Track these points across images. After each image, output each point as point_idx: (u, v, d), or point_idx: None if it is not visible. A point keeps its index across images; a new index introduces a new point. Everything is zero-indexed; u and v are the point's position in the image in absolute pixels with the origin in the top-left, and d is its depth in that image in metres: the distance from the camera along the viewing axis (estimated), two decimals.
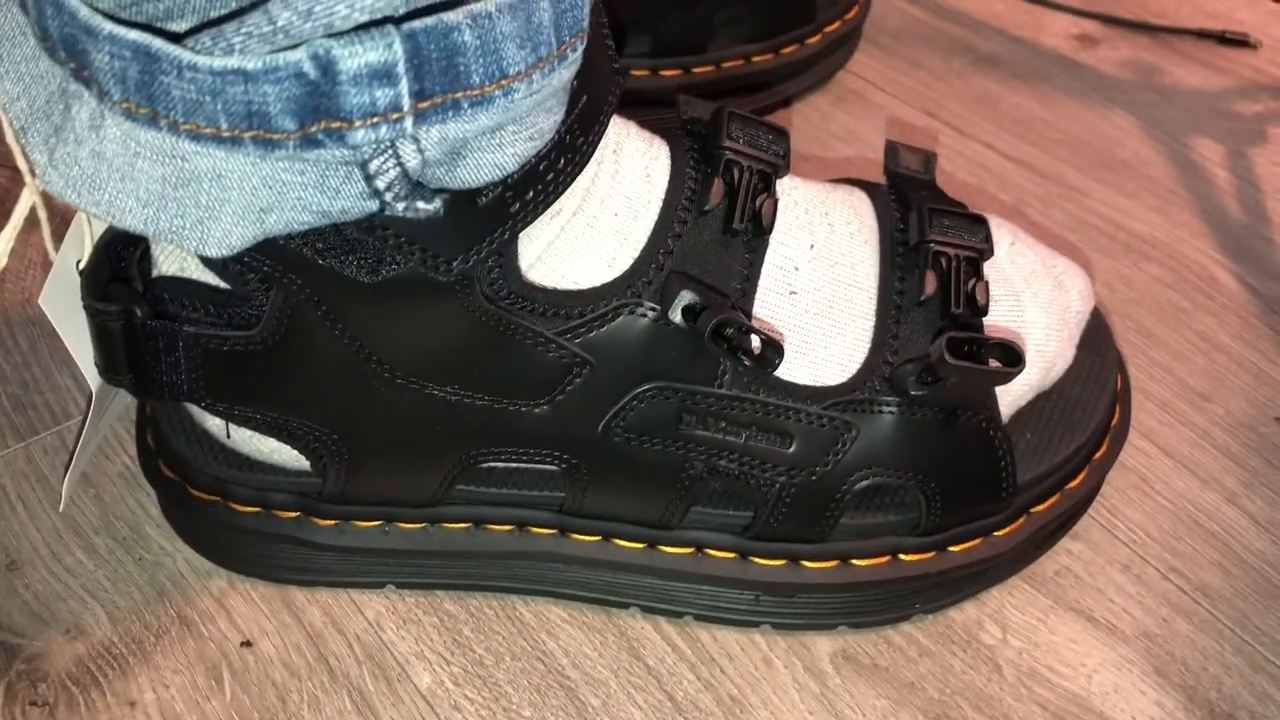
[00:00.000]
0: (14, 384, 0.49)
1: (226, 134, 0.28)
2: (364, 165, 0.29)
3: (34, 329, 0.51)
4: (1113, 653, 0.43)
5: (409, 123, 0.28)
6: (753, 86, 0.61)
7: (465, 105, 0.28)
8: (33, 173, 0.34)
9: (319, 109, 0.27)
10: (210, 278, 0.35)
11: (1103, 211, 0.60)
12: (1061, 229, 0.59)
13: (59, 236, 0.39)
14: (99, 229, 0.37)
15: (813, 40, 0.62)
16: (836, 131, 0.63)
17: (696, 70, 0.60)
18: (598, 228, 0.37)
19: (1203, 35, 0.70)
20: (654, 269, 0.37)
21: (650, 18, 0.57)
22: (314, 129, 0.28)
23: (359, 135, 0.28)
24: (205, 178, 0.29)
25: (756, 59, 0.60)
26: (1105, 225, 0.60)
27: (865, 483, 0.40)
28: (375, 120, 0.28)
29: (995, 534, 0.43)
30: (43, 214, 0.36)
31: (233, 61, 0.26)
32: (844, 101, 0.66)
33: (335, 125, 0.28)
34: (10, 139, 0.31)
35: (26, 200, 0.34)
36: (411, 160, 0.29)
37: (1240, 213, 0.60)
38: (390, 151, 0.29)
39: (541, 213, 0.34)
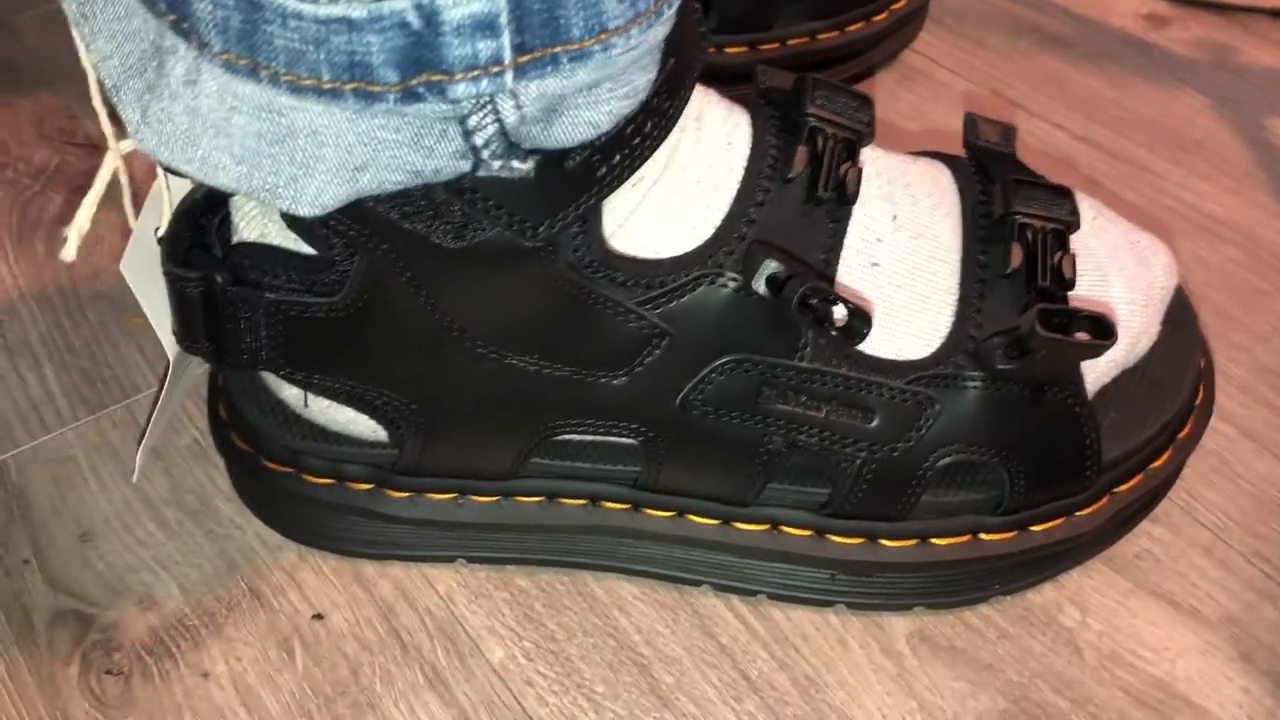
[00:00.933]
0: (84, 358, 0.49)
1: (327, 86, 0.27)
2: (463, 120, 0.29)
3: (103, 304, 0.52)
4: (1196, 637, 0.42)
5: (509, 77, 0.28)
6: (819, 64, 0.60)
7: (565, 60, 0.28)
8: (118, 136, 0.34)
9: (421, 60, 0.27)
10: (292, 243, 0.35)
11: (1176, 193, 0.59)
12: (1134, 210, 0.58)
13: (136, 207, 0.39)
14: (178, 197, 0.37)
15: (879, 18, 0.61)
16: (903, 110, 0.63)
17: (762, 48, 0.59)
18: (679, 196, 0.36)
19: (1277, 15, 0.69)
20: (736, 238, 0.36)
21: None
22: (415, 82, 0.27)
23: (459, 89, 0.27)
24: (301, 134, 0.29)
25: (822, 36, 0.60)
26: (1179, 207, 0.58)
27: (948, 460, 0.39)
28: (476, 74, 0.27)
29: (1078, 514, 0.42)
30: (124, 179, 0.36)
31: (338, 9, 0.26)
32: (910, 80, 0.65)
33: (436, 78, 0.27)
34: (96, 101, 0.31)
35: (109, 166, 0.34)
36: (510, 116, 0.29)
37: None
38: (490, 107, 0.29)
39: (628, 178, 0.34)
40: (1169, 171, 0.60)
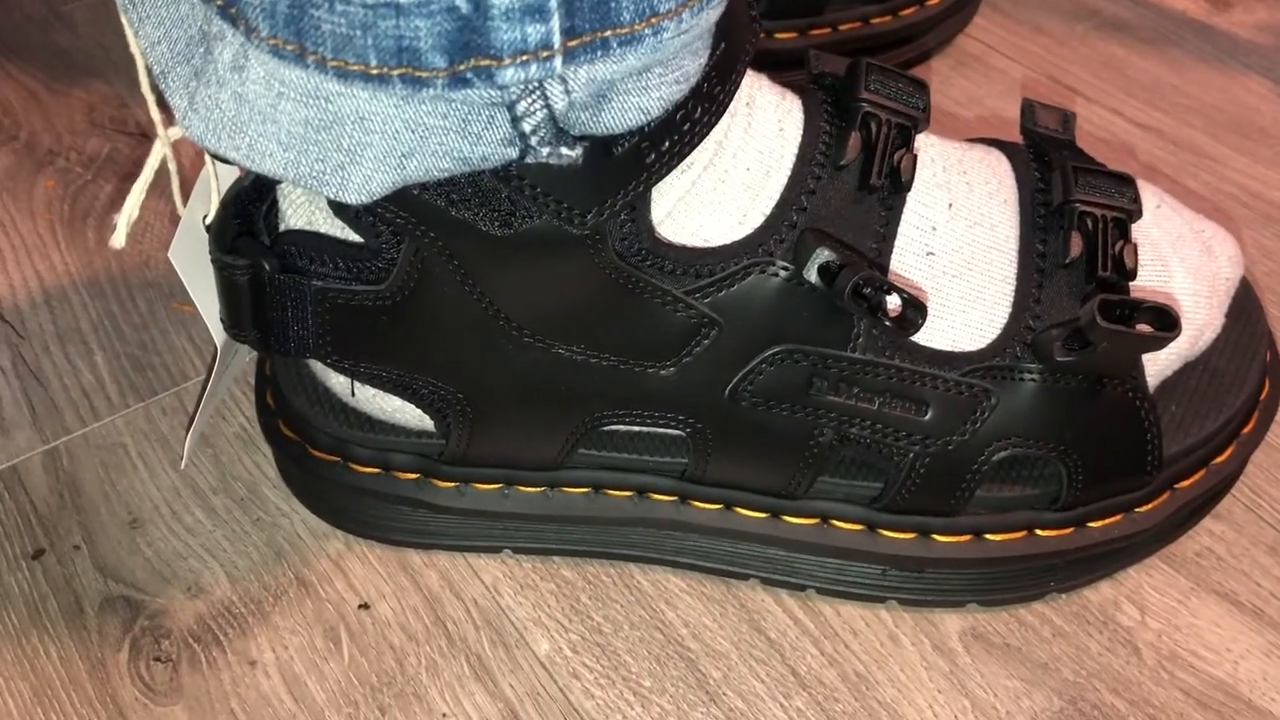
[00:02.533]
0: (133, 345, 0.50)
1: (375, 71, 0.27)
2: (511, 107, 0.28)
3: (152, 291, 0.52)
4: (1260, 638, 0.41)
5: (558, 61, 0.27)
6: (871, 49, 0.59)
7: (614, 44, 0.27)
8: (166, 123, 0.34)
9: (469, 45, 0.26)
10: (339, 231, 0.35)
11: (1239, 180, 0.57)
12: (1196, 199, 0.56)
13: (184, 195, 0.39)
14: (226, 184, 0.37)
15: (932, 2, 0.60)
16: (957, 97, 0.61)
17: (813, 33, 0.58)
18: (729, 183, 0.35)
19: None
20: (786, 226, 0.35)
21: None
22: (463, 67, 0.27)
23: (508, 74, 0.27)
24: (348, 120, 0.28)
25: (875, 21, 0.59)
26: (1242, 195, 0.57)
27: (1004, 454, 0.38)
28: (525, 58, 0.27)
29: (1137, 510, 0.41)
30: (172, 166, 0.36)
31: None
32: (964, 66, 0.63)
33: (485, 63, 0.27)
34: (145, 88, 0.31)
35: (158, 153, 0.34)
36: (559, 102, 0.28)
37: None
38: (538, 92, 0.28)
39: (676, 164, 0.33)
40: (1232, 159, 0.58)
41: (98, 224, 0.55)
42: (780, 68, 0.40)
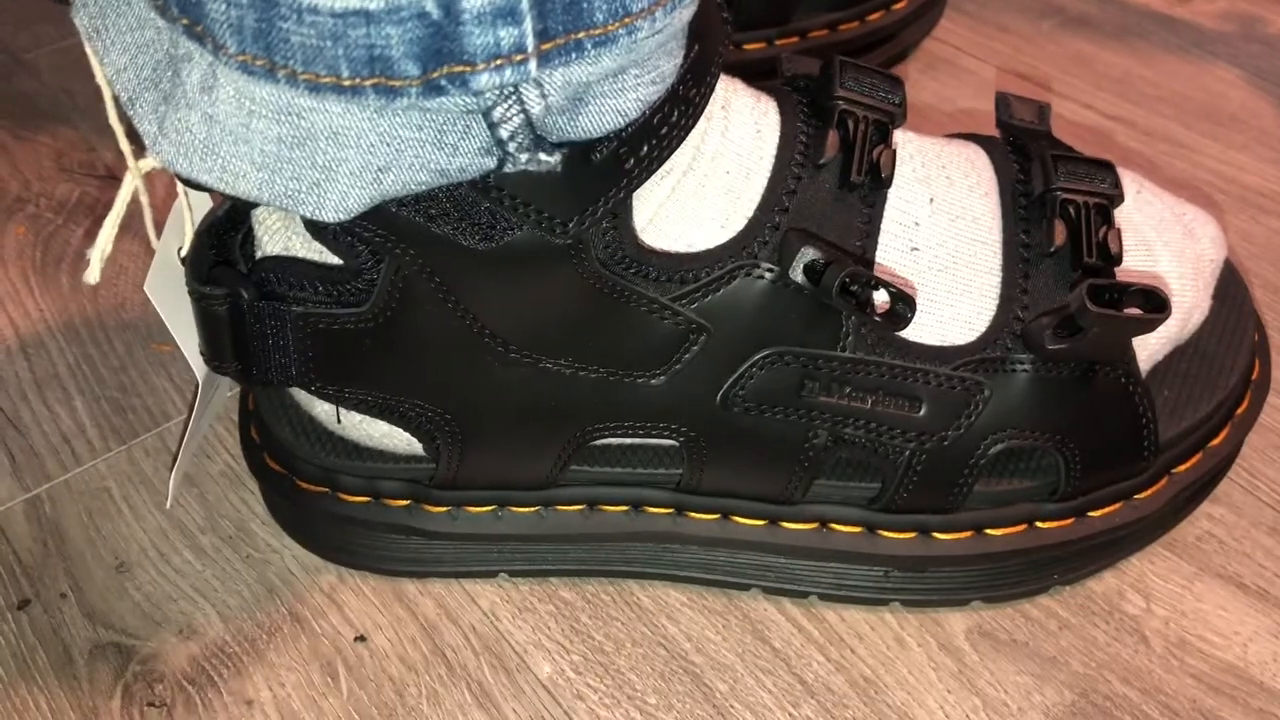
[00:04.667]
0: (112, 387, 0.49)
1: (347, 83, 0.26)
2: (487, 113, 0.28)
3: (129, 333, 0.51)
4: (1267, 620, 0.40)
5: (533, 65, 0.27)
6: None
7: (589, 46, 0.27)
8: (137, 154, 0.34)
9: (442, 52, 0.26)
10: (316, 255, 0.34)
11: (1213, 167, 0.58)
12: (1173, 186, 0.56)
13: (158, 229, 0.39)
14: (199, 216, 0.36)
15: (899, 6, 0.60)
16: (928, 99, 0.61)
17: (781, 42, 0.58)
18: (709, 187, 0.35)
19: None
20: (769, 228, 0.35)
21: None
22: (437, 74, 0.26)
23: (483, 79, 0.27)
24: (322, 135, 0.28)
25: (843, 27, 0.59)
26: (1218, 180, 0.57)
27: (1000, 446, 0.38)
28: (499, 63, 0.26)
29: (1136, 497, 0.40)
30: (144, 198, 0.35)
31: (354, 2, 0.25)
32: (933, 69, 0.64)
33: (458, 69, 0.26)
34: (113, 118, 0.31)
35: (128, 185, 0.34)
36: (535, 106, 0.28)
37: None
38: (514, 97, 0.28)
39: (656, 168, 0.33)
40: (1205, 146, 0.59)
41: (71, 268, 0.54)
42: (750, 78, 0.40)
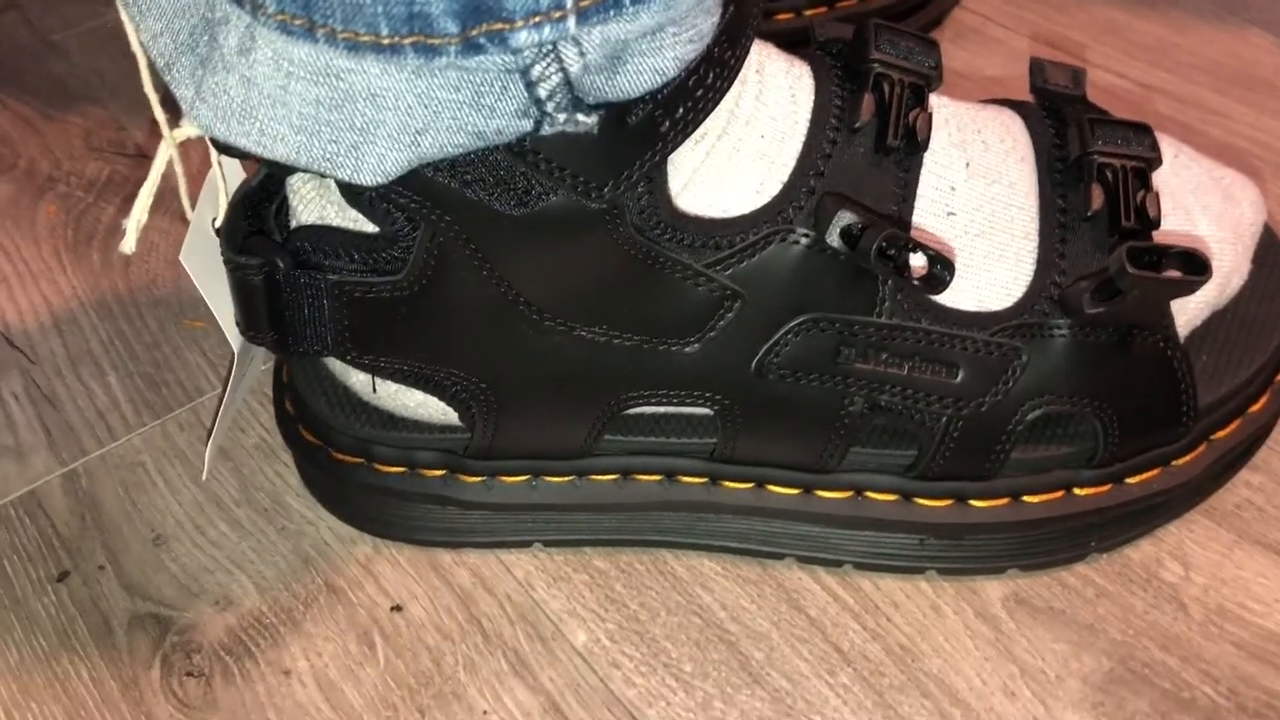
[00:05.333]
0: (146, 363, 0.49)
1: (386, 41, 0.26)
2: (525, 72, 0.28)
3: (161, 309, 0.51)
4: None
5: (571, 22, 0.26)
6: None
7: (627, 2, 0.27)
8: (171, 123, 0.34)
9: (481, 9, 0.26)
10: (351, 223, 0.34)
11: (1248, 133, 0.57)
12: (1209, 153, 0.55)
13: (192, 201, 0.39)
14: (233, 187, 0.37)
15: None
16: (958, 68, 0.61)
17: (808, 13, 0.57)
18: (744, 152, 0.35)
19: None
20: (804, 193, 0.35)
21: None
22: (476, 32, 0.26)
23: (521, 37, 0.26)
24: (360, 97, 0.28)
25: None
26: (1252, 147, 0.56)
27: (1037, 412, 0.37)
28: (538, 20, 0.26)
29: (1174, 463, 0.40)
30: (179, 167, 0.35)
31: None
32: (962, 38, 0.63)
33: (497, 27, 0.26)
34: (148, 86, 0.31)
35: (163, 154, 0.34)
36: (574, 65, 0.28)
37: None
38: (552, 55, 0.28)
39: (691, 132, 0.32)
40: (1240, 113, 0.58)
41: (102, 246, 0.54)
42: (782, 48, 0.40)
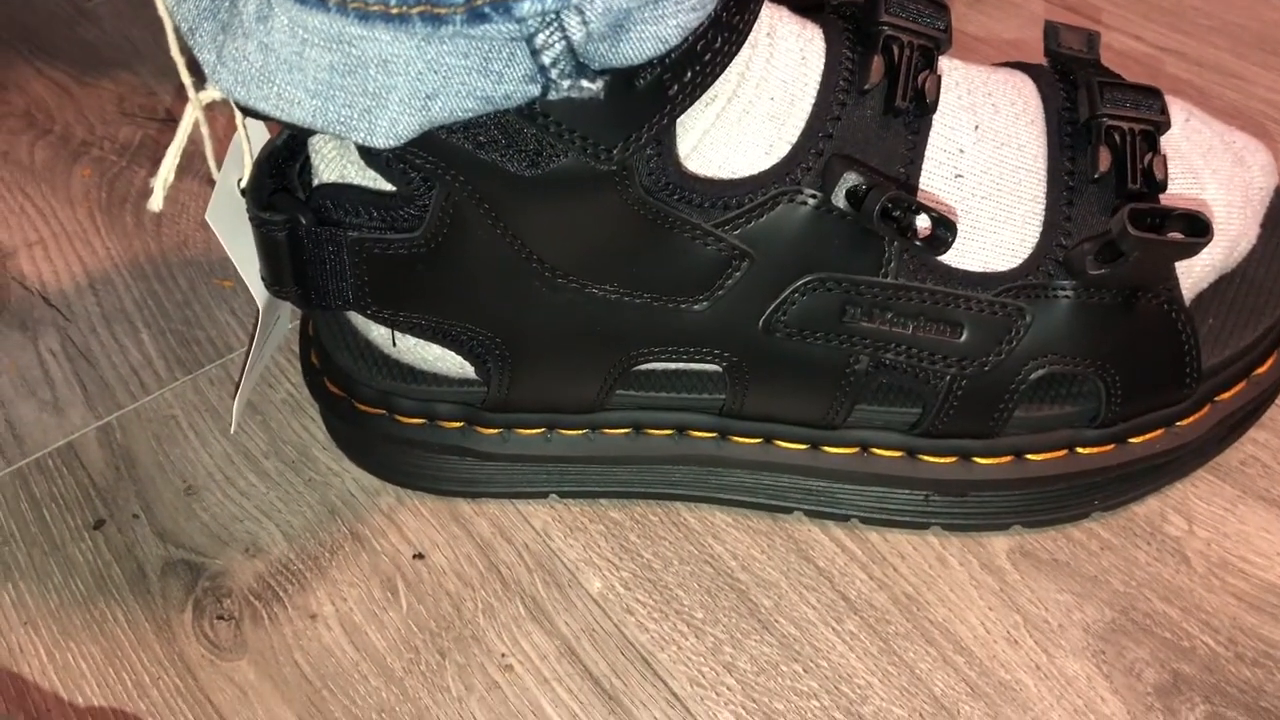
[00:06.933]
0: (177, 321, 0.51)
1: (395, 11, 0.27)
2: (529, 40, 0.29)
3: (192, 269, 0.53)
4: None
5: None
6: None
7: None
8: (197, 86, 0.35)
9: None
10: (370, 182, 0.35)
11: (1267, 96, 0.57)
12: (1225, 117, 0.56)
13: (218, 162, 0.40)
14: (258, 147, 0.38)
15: None
16: (975, 32, 0.61)
17: None
18: (754, 113, 0.36)
19: None
20: (813, 154, 0.36)
21: None
22: (480, 1, 0.27)
23: (525, 6, 0.27)
24: (372, 63, 0.29)
25: None
26: (1271, 110, 0.56)
27: (1040, 372, 0.38)
28: None
29: (1178, 424, 0.41)
30: (205, 129, 0.37)
31: None
32: (980, 1, 0.63)
33: None
34: (174, 50, 0.32)
35: (189, 116, 0.35)
36: (577, 33, 0.29)
37: None
38: (555, 24, 0.28)
39: (700, 95, 0.33)
40: (1258, 76, 0.58)
41: (135, 208, 0.56)
42: (796, 10, 0.40)
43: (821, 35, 0.37)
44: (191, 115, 0.35)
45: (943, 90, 0.38)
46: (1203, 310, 0.41)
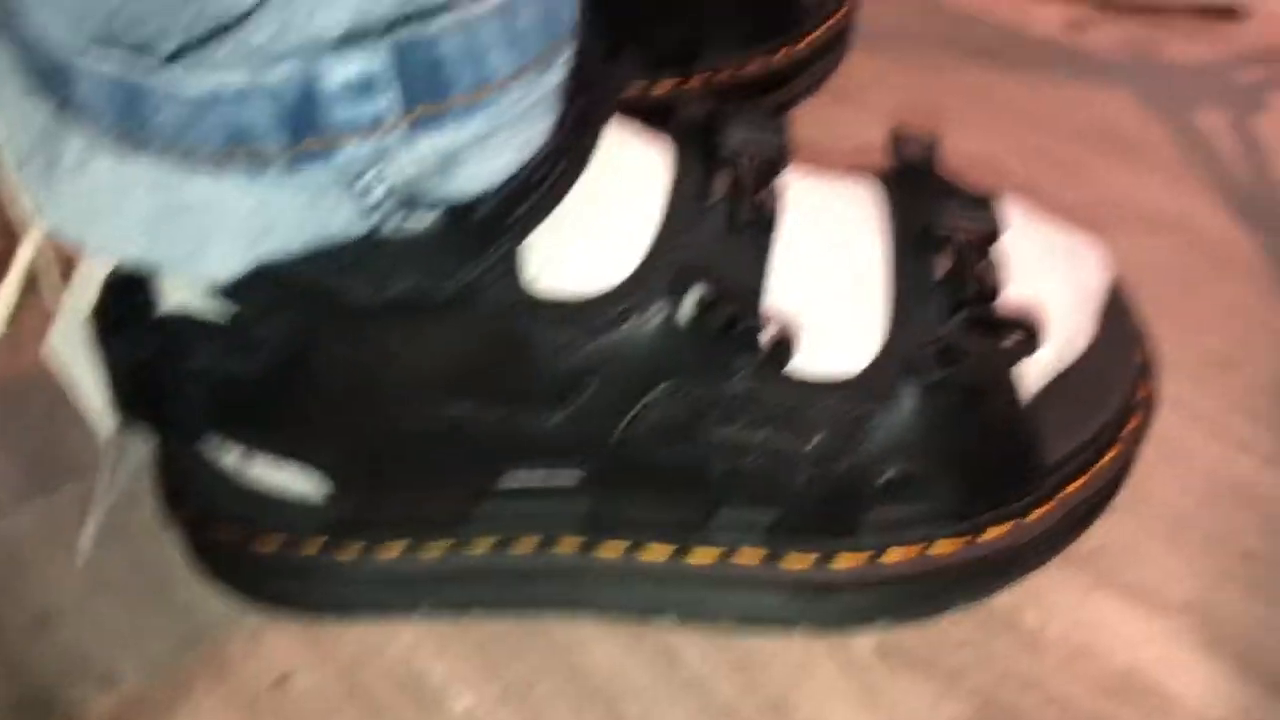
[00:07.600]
0: (34, 441, 0.49)
1: (215, 155, 0.28)
2: (352, 184, 0.29)
3: (52, 388, 0.51)
4: (1161, 625, 0.42)
5: (395, 136, 0.28)
6: (746, 95, 0.61)
7: (452, 114, 0.28)
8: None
9: (305, 126, 0.27)
10: (213, 311, 0.35)
11: (1113, 192, 0.60)
12: (1073, 211, 0.58)
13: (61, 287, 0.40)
14: (105, 272, 0.37)
15: (803, 44, 0.62)
16: (835, 134, 0.63)
17: (689, 82, 0.60)
18: (602, 230, 0.36)
19: (1193, 11, 0.70)
20: (661, 268, 0.37)
21: (639, 31, 0.57)
22: (300, 148, 0.27)
23: (346, 152, 0.28)
24: (197, 206, 0.29)
25: (748, 67, 0.60)
26: (1119, 203, 0.59)
27: (891, 472, 0.39)
28: (363, 135, 0.28)
29: (1026, 519, 0.42)
30: (49, 255, 0.36)
31: (216, 81, 0.26)
32: (840, 104, 0.66)
33: (322, 143, 0.27)
34: (15, 173, 0.31)
35: (31, 242, 0.34)
36: (401, 175, 0.29)
37: (1250, 178, 0.60)
38: (379, 167, 0.29)
39: (543, 219, 0.34)
40: (1105, 171, 0.61)
41: None
42: (660, 116, 0.42)
43: (669, 152, 0.38)
44: (33, 240, 0.35)
45: (787, 202, 0.39)
46: (1044, 406, 0.42)
